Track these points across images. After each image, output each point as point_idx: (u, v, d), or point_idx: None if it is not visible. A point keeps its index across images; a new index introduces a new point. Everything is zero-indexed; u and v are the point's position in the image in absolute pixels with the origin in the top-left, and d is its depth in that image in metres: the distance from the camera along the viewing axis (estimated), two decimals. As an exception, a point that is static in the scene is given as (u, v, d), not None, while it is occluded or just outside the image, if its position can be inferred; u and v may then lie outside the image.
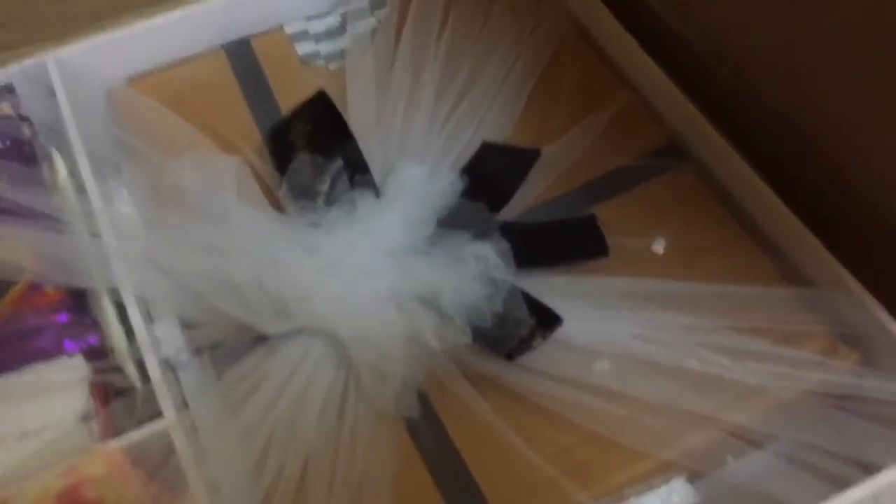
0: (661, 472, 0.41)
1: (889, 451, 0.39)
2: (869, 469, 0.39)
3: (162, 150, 0.49)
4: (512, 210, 0.48)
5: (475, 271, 0.43)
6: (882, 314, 0.43)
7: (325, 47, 0.56)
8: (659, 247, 0.47)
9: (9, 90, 0.52)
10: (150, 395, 0.41)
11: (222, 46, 0.56)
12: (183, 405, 0.41)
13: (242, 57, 0.55)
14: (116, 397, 0.43)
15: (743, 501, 0.41)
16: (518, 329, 0.41)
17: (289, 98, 0.52)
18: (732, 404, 0.41)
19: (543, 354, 0.42)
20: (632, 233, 0.47)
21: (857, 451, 0.40)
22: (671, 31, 0.52)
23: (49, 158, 0.50)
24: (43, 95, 0.52)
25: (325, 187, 0.45)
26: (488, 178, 0.47)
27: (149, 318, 0.44)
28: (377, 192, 0.46)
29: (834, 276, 0.44)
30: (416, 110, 0.50)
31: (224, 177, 0.46)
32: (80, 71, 0.53)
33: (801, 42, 0.43)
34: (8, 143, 0.50)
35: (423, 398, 0.42)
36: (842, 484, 0.39)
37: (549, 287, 0.44)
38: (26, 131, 0.51)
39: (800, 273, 0.46)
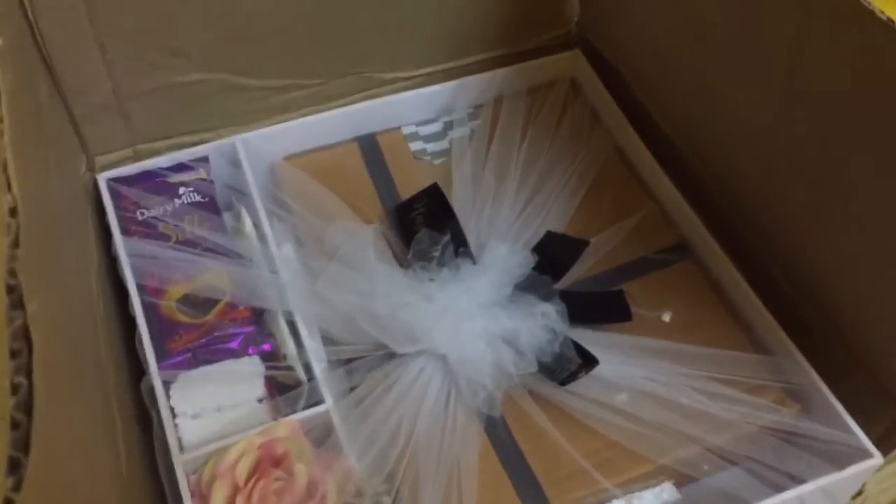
0: (658, 473, 0.60)
1: (811, 468, 0.59)
2: (797, 480, 0.59)
3: (310, 211, 0.69)
4: (567, 280, 0.67)
5: (541, 323, 0.62)
6: (816, 378, 0.62)
7: (431, 147, 0.76)
8: (666, 317, 0.66)
9: (204, 160, 0.71)
10: (314, 388, 0.60)
11: (356, 139, 0.76)
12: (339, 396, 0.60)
13: (370, 148, 0.75)
14: (284, 392, 0.61)
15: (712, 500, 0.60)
16: (569, 365, 0.60)
17: (403, 180, 0.72)
18: (710, 430, 0.60)
19: (583, 383, 0.61)
20: (648, 305, 0.66)
21: (790, 468, 0.59)
22: (684, 159, 0.72)
23: (231, 209, 0.70)
24: (228, 165, 0.72)
25: (437, 254, 0.65)
26: (551, 256, 0.67)
27: (312, 333, 0.63)
28: (474, 261, 0.65)
29: (785, 348, 0.63)
30: (500, 202, 0.69)
31: (365, 240, 0.65)
32: (255, 148, 0.72)
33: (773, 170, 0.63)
34: (207, 199, 0.69)
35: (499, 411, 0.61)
36: (779, 489, 0.58)
37: (590, 339, 0.63)
38: (215, 190, 0.70)
39: (762, 344, 0.65)
